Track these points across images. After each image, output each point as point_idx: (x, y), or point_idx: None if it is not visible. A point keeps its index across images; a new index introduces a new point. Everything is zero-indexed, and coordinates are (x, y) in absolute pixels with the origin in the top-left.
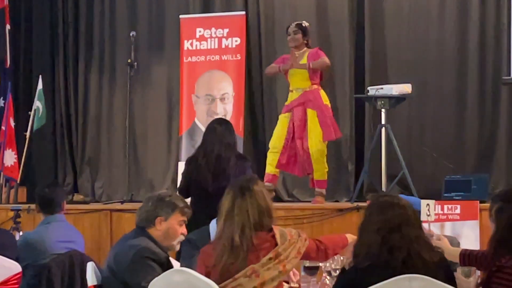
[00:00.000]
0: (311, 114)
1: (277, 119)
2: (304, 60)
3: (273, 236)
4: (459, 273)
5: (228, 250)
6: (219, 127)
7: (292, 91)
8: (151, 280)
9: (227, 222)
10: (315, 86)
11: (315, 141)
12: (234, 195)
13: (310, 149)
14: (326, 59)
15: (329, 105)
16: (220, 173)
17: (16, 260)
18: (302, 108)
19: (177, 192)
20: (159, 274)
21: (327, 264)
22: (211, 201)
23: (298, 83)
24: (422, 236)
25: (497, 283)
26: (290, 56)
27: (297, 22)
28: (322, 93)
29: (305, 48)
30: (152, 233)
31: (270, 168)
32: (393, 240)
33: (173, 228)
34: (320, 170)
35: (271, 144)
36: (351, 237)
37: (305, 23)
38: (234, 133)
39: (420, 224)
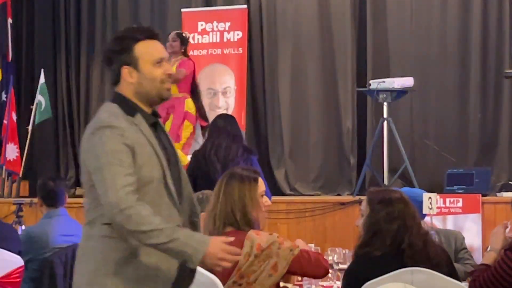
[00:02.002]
0: (170, 118)
1: (280, 112)
2: (173, 68)
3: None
4: None
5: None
6: (223, 121)
7: None
8: None
9: (207, 208)
10: (182, 94)
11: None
12: (219, 181)
13: None
14: (178, 74)
15: (191, 113)
16: (229, 164)
17: (19, 253)
18: (165, 112)
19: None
20: None
21: (330, 258)
22: None
23: None
24: (426, 230)
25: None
26: None
27: (177, 31)
28: (187, 102)
29: (181, 57)
30: None
31: None
32: (402, 233)
33: None
34: None
35: None
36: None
37: (185, 33)
38: (238, 126)
39: (417, 216)
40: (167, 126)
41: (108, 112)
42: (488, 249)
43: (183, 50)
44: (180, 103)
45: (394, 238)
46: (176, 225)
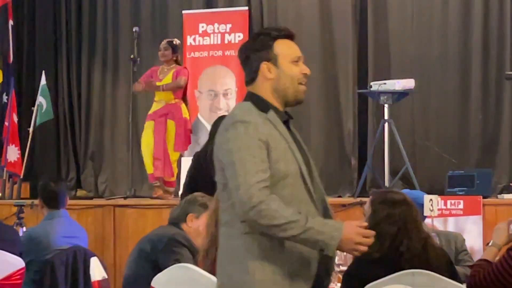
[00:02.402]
0: (170, 124)
1: None
2: (169, 76)
3: None
4: None
5: (209, 238)
6: None
7: (156, 101)
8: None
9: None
10: (177, 100)
11: (171, 149)
12: None
13: (169, 152)
14: (181, 82)
15: (188, 118)
16: None
17: (20, 255)
18: (164, 119)
19: (184, 189)
20: (188, 262)
21: None
22: None
23: (162, 96)
24: (426, 233)
25: None
26: (155, 74)
27: (168, 39)
28: (183, 107)
29: (174, 64)
30: (184, 229)
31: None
32: (401, 236)
33: (204, 226)
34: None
35: (142, 148)
36: None
37: (175, 41)
38: None
39: (418, 219)
40: (170, 132)
41: (241, 109)
42: (490, 244)
43: (175, 58)
44: (177, 109)
45: (393, 240)
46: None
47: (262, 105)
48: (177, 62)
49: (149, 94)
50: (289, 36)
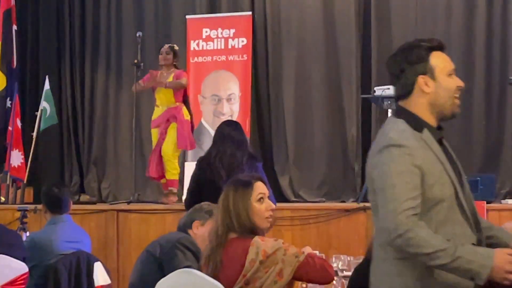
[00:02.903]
0: (172, 126)
1: (284, 119)
2: (169, 79)
3: (246, 250)
4: None
5: (212, 239)
6: (228, 128)
7: (158, 106)
8: (186, 267)
9: (216, 212)
10: (178, 104)
11: (169, 145)
12: (227, 186)
13: (162, 151)
14: (183, 81)
15: (189, 120)
16: (234, 171)
17: (23, 260)
18: (166, 124)
19: (188, 194)
20: (194, 267)
21: (334, 265)
22: None
23: (163, 100)
24: None
25: None
26: (152, 75)
27: (170, 44)
28: (184, 110)
29: (173, 69)
30: (191, 235)
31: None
32: None
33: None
34: (171, 170)
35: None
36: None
37: (176, 47)
38: (244, 132)
39: None
40: (172, 134)
41: (396, 130)
42: None
43: (175, 63)
44: (179, 112)
45: None
46: (470, 243)
47: (416, 124)
48: (175, 67)
49: (152, 101)
50: (442, 47)
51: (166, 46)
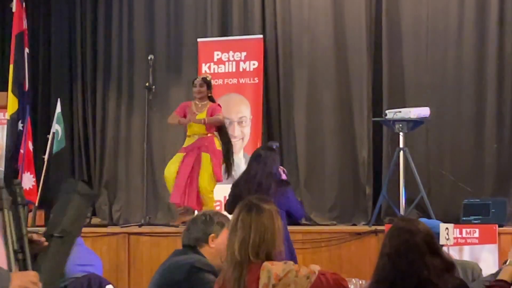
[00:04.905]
0: (205, 157)
1: (295, 142)
2: (204, 112)
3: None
4: None
5: (231, 265)
6: (262, 155)
7: (189, 136)
8: None
9: (230, 236)
10: (210, 134)
11: (205, 178)
12: (240, 209)
13: (199, 185)
14: (220, 117)
15: (221, 150)
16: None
17: None
18: (197, 152)
19: (225, 206)
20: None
21: None
22: None
23: (196, 131)
24: (434, 262)
25: None
26: (189, 109)
27: (203, 76)
28: (216, 140)
29: (207, 101)
30: (204, 251)
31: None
32: (401, 266)
33: (224, 244)
34: (209, 205)
35: (165, 175)
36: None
37: (209, 77)
38: (278, 161)
39: (435, 249)
40: (207, 166)
41: None
42: (507, 263)
43: (209, 95)
44: (211, 142)
45: (400, 270)
46: None
47: None
48: (210, 98)
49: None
50: None
51: (199, 78)
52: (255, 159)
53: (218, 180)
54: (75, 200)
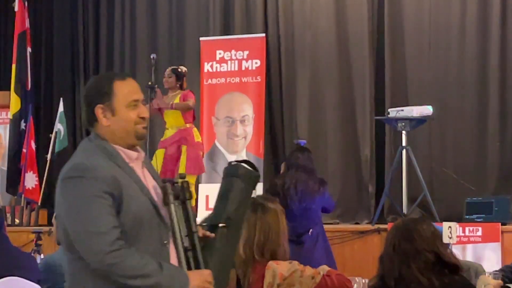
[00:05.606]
0: (183, 149)
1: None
2: (176, 100)
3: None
4: None
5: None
6: (301, 157)
7: (167, 128)
8: None
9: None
10: (188, 125)
11: (183, 171)
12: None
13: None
14: (189, 103)
15: (200, 142)
16: (306, 198)
17: (38, 282)
18: (176, 145)
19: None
20: None
21: None
22: (295, 221)
23: (172, 122)
24: (439, 262)
25: None
26: (158, 94)
27: (172, 67)
28: (195, 131)
29: (179, 90)
30: None
31: None
32: (400, 269)
33: None
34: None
35: None
36: None
37: (180, 68)
38: (312, 159)
39: (435, 250)
40: (183, 159)
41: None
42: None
43: (179, 85)
44: (189, 134)
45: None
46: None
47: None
48: (181, 88)
49: (165, 122)
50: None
51: (169, 69)
52: (294, 162)
53: (188, 172)
54: (237, 185)
